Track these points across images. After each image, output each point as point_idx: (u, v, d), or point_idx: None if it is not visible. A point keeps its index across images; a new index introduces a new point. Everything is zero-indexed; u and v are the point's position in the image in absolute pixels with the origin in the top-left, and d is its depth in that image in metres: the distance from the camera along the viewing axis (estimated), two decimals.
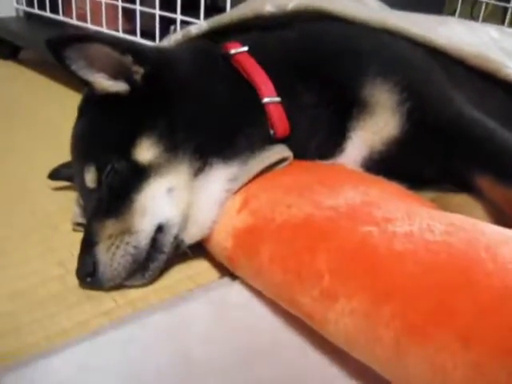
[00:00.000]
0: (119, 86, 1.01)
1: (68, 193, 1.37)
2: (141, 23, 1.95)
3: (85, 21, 2.23)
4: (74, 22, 2.28)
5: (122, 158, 0.98)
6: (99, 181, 1.00)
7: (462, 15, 2.52)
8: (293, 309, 0.87)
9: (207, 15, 1.59)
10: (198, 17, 1.67)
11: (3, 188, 1.41)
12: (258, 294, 0.95)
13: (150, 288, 1.00)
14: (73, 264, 0.98)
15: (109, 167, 0.98)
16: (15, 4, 2.85)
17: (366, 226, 0.84)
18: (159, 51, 1.14)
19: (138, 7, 1.90)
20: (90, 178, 1.01)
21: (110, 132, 1.02)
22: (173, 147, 0.98)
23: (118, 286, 0.97)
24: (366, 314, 0.74)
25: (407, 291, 0.73)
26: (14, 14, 2.93)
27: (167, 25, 1.90)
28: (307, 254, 0.85)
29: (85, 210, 1.09)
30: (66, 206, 1.28)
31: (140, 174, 0.97)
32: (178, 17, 1.73)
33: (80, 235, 1.08)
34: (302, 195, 0.94)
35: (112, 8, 2.10)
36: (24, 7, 2.78)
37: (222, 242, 1.00)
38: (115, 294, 0.97)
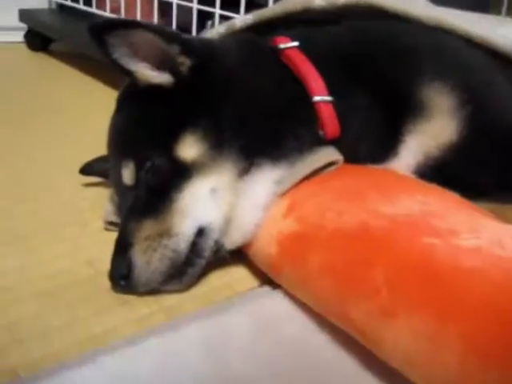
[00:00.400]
0: (163, 78, 0.95)
1: (100, 189, 1.32)
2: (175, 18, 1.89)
3: (118, 14, 2.18)
4: (107, 14, 2.22)
5: (163, 155, 0.92)
6: (137, 178, 0.94)
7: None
8: (343, 324, 0.81)
9: (245, 11, 1.55)
10: (237, 11, 1.60)
11: (31, 182, 1.36)
12: (302, 305, 0.89)
13: (186, 295, 0.94)
14: (103, 264, 0.93)
15: (148, 164, 0.92)
16: None
17: (428, 237, 0.77)
18: (206, 43, 1.07)
19: (175, 0, 1.84)
20: (128, 174, 0.95)
21: (151, 126, 0.96)
22: (218, 145, 0.92)
23: (152, 291, 0.92)
24: (429, 334, 0.67)
25: (476, 312, 0.66)
26: (46, 6, 2.90)
27: (203, 20, 1.85)
28: (362, 265, 0.78)
29: (120, 208, 1.03)
30: (98, 202, 1.23)
31: (182, 173, 0.91)
32: (217, 11, 1.67)
33: (111, 234, 1.04)
34: (354, 202, 0.88)
35: (147, 1, 2.05)
36: None
37: (265, 248, 0.94)
38: (149, 300, 0.91)
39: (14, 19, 2.78)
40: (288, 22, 1.16)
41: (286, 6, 1.14)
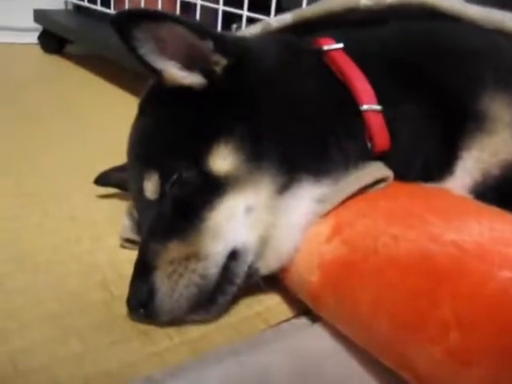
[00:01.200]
0: (194, 79, 0.85)
1: (116, 201, 1.22)
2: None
3: None
4: None
5: (193, 167, 0.81)
6: (162, 192, 0.84)
7: None
8: (402, 369, 0.70)
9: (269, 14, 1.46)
10: (267, 14, 1.50)
11: (39, 191, 1.25)
12: (348, 341, 0.79)
13: (213, 325, 0.84)
14: (120, 288, 0.86)
15: (175, 176, 0.82)
16: None
17: (504, 270, 0.66)
18: (243, 41, 0.96)
19: (199, 1, 1.74)
20: (151, 187, 0.85)
21: (179, 134, 0.86)
22: (256, 157, 0.81)
23: (175, 321, 0.81)
24: None
25: None
26: (62, 6, 2.83)
27: (227, 23, 1.74)
28: (425, 301, 0.67)
29: (140, 224, 0.92)
30: (113, 216, 1.13)
31: (213, 188, 0.81)
32: (245, 13, 1.56)
33: (129, 253, 0.98)
34: (412, 225, 0.76)
35: (168, 2, 1.95)
36: (74, 0, 2.66)
37: (304, 275, 0.83)
38: (171, 331, 0.81)
39: (28, 20, 2.72)
40: (327, 23, 1.05)
41: (329, 5, 1.03)
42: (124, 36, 0.79)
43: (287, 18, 1.07)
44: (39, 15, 2.69)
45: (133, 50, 0.80)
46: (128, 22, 0.78)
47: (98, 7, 2.35)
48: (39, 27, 2.75)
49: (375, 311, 0.72)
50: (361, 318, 0.74)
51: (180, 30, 0.79)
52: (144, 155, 0.90)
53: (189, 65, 0.85)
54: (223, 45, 0.83)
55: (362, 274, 0.75)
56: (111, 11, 2.26)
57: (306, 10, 1.08)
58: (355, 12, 1.04)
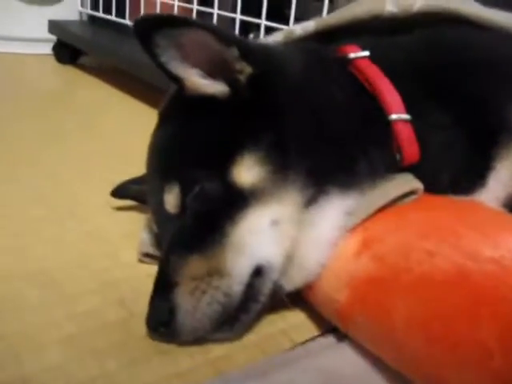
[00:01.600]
0: (217, 87, 0.81)
1: (134, 214, 1.18)
2: None
3: None
4: None
5: (215, 178, 0.78)
6: (183, 205, 0.80)
7: None
8: None
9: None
10: (284, 23, 1.47)
11: (54, 204, 1.21)
12: (377, 361, 0.75)
13: (236, 344, 0.80)
14: (138, 305, 0.82)
15: (197, 188, 0.78)
16: (79, 7, 2.74)
17: None
18: (268, 48, 0.93)
19: (215, 11, 1.71)
20: (172, 200, 0.81)
21: (201, 144, 0.82)
22: (282, 168, 0.78)
23: (197, 340, 0.78)
24: None
25: None
26: (77, 17, 2.83)
27: (243, 32, 1.72)
28: (464, 321, 0.64)
29: (159, 238, 0.88)
30: (131, 230, 1.09)
31: (237, 200, 0.77)
32: (263, 22, 1.53)
33: (148, 268, 0.93)
34: (446, 240, 0.73)
35: (184, 11, 1.93)
36: (88, 11, 2.67)
37: (331, 293, 0.79)
38: (192, 350, 0.77)
39: (42, 30, 2.70)
40: (351, 31, 1.02)
41: (354, 12, 1.00)
42: (145, 42, 0.76)
43: (310, 25, 1.04)
44: (54, 26, 2.68)
45: (154, 56, 0.77)
46: (150, 28, 0.75)
47: (113, 17, 2.34)
48: (54, 38, 2.73)
49: (409, 330, 0.68)
50: (393, 337, 0.70)
51: (204, 36, 0.76)
52: (164, 166, 0.86)
53: (212, 73, 0.81)
54: (249, 52, 0.80)
55: (396, 291, 0.72)
56: (126, 22, 2.24)
57: (329, 18, 1.04)
58: (379, 19, 1.00)
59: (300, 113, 0.83)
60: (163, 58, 0.78)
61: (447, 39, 0.96)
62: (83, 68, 2.73)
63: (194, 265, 0.76)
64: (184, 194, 0.80)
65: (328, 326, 0.84)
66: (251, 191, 0.77)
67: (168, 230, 0.82)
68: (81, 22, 2.84)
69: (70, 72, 2.70)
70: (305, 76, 0.87)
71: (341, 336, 0.82)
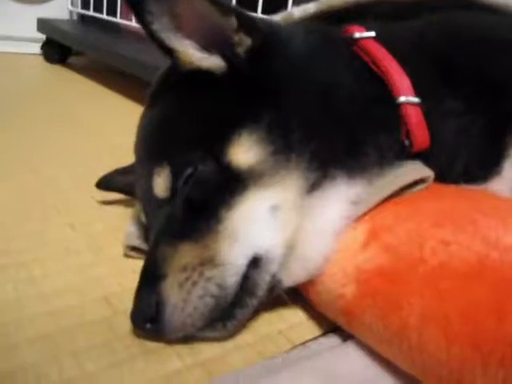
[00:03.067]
0: (213, 61, 0.75)
1: (119, 208, 1.13)
2: None
3: None
4: (133, 24, 2.06)
5: (210, 159, 0.72)
6: (173, 189, 0.74)
7: None
8: None
9: None
10: None
11: (38, 198, 1.16)
12: (389, 366, 0.68)
13: (230, 344, 0.74)
14: (122, 302, 0.78)
15: (189, 170, 0.72)
16: (69, 6, 2.71)
17: None
18: (270, 22, 0.87)
19: None
20: (161, 183, 0.75)
21: (194, 122, 0.76)
22: (284, 150, 0.72)
23: (186, 338, 0.72)
24: None
25: None
26: (66, 16, 2.79)
27: None
28: (488, 316, 0.57)
29: (148, 229, 0.82)
30: (115, 223, 1.05)
31: (234, 183, 0.71)
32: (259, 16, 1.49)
33: (133, 263, 0.89)
34: (463, 228, 0.67)
35: None
36: (79, 9, 2.64)
37: (336, 287, 0.72)
38: (182, 350, 0.72)
39: (31, 29, 2.67)
40: (352, 16, 0.97)
41: None
42: (136, 7, 0.70)
43: (310, 7, 0.99)
44: (43, 24, 2.63)
45: (145, 24, 0.71)
46: None
47: (105, 16, 2.30)
48: (43, 37, 2.69)
49: (426, 328, 0.61)
50: (406, 335, 0.63)
51: (200, 4, 0.71)
52: (154, 148, 0.80)
53: (208, 45, 0.76)
54: (248, 23, 0.75)
55: (409, 284, 0.65)
56: (117, 20, 2.21)
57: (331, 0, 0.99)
58: (381, 4, 0.98)
59: (304, 90, 0.77)
60: (155, 27, 0.72)
61: (461, 23, 0.92)
62: (72, 67, 2.70)
63: (185, 254, 0.70)
64: (175, 177, 0.74)
65: (330, 326, 0.78)
66: (249, 174, 0.71)
67: (157, 216, 0.76)
68: (71, 20, 2.81)
69: (59, 71, 2.67)
70: (308, 53, 0.82)
71: (344, 336, 0.76)
